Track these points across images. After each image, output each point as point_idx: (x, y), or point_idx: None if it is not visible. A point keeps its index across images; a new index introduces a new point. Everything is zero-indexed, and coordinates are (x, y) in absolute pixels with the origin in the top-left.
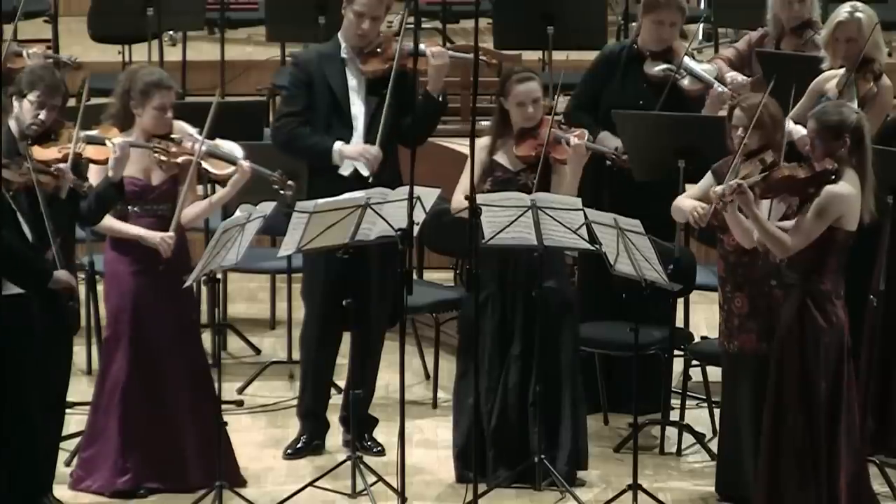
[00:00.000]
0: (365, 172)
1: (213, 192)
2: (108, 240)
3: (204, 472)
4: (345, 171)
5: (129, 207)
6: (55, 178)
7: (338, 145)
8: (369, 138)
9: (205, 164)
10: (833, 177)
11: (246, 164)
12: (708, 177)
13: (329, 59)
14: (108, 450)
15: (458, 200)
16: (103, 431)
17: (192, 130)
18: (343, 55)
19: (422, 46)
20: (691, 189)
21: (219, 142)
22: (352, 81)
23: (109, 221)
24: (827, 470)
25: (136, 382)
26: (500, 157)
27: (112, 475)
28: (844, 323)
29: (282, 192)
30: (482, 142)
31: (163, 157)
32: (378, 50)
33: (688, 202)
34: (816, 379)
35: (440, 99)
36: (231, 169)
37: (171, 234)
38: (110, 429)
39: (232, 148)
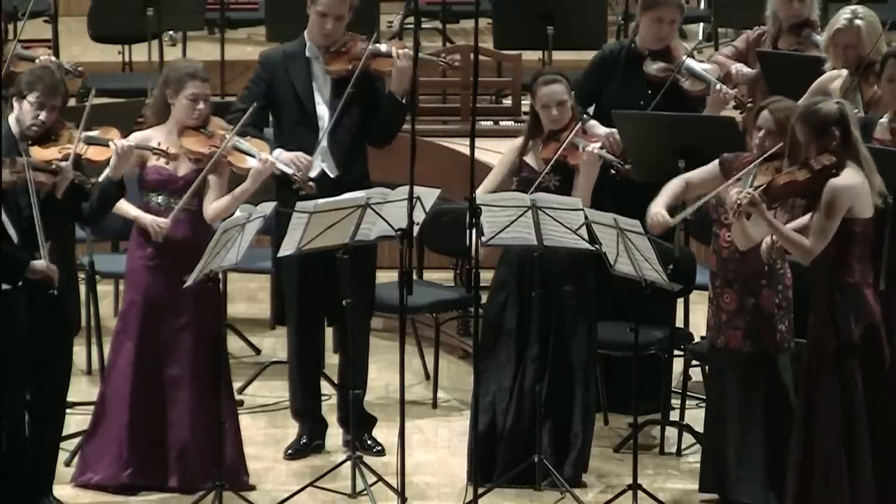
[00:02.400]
0: (333, 174)
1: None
2: (131, 235)
3: (206, 472)
4: (311, 172)
5: (152, 197)
6: (52, 176)
7: (276, 153)
8: (334, 138)
9: (229, 158)
10: (834, 171)
11: (268, 157)
12: (714, 166)
13: (294, 57)
14: (112, 444)
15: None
16: (108, 425)
17: (227, 126)
18: (308, 54)
19: (384, 47)
20: (692, 173)
21: (250, 138)
22: (317, 81)
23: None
24: (858, 467)
25: (142, 378)
26: (529, 158)
27: (115, 469)
28: (877, 312)
29: (302, 192)
30: (515, 142)
31: (162, 158)
32: (343, 49)
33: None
34: (854, 374)
35: (403, 101)
36: (253, 162)
37: (166, 220)
38: (114, 422)
39: (260, 144)
